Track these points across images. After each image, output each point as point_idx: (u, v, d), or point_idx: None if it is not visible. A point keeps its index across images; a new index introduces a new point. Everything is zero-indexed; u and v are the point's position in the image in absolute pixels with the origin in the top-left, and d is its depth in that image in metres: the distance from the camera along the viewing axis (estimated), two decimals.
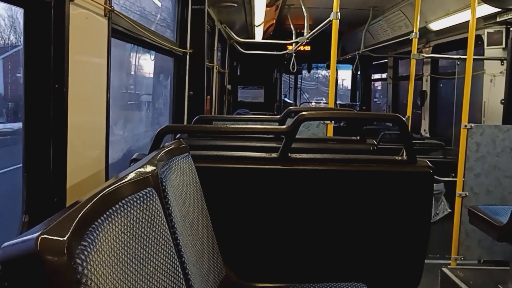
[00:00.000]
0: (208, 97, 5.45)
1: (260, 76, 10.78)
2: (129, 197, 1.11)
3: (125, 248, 1.00)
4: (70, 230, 0.80)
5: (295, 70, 7.36)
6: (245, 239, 2.07)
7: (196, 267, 1.60)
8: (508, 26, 4.71)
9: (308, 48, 9.66)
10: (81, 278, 0.78)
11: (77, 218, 0.85)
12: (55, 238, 0.77)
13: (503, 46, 4.84)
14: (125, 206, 1.06)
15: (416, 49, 4.66)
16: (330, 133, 3.79)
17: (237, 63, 10.91)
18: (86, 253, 0.81)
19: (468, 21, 3.65)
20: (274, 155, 2.06)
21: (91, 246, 0.84)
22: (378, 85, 12.26)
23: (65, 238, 0.77)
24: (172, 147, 1.72)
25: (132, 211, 1.08)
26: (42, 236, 0.75)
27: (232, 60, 9.70)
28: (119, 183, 1.11)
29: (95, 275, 0.82)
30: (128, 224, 1.05)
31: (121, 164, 2.82)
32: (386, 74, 9.75)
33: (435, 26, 5.74)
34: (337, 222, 2.06)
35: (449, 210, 5.09)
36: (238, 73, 11.20)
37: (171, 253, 1.22)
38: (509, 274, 3.16)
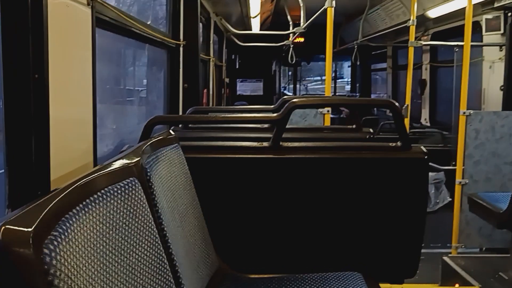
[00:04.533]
0: (205, 90, 5.40)
1: (259, 68, 10.71)
2: (109, 187, 1.08)
3: (104, 238, 0.97)
4: (38, 220, 0.77)
5: (293, 62, 7.29)
6: (238, 230, 2.03)
7: (187, 258, 1.57)
8: (507, 11, 4.65)
9: (302, 39, 9.57)
10: (49, 268, 0.75)
11: (47, 208, 0.82)
12: (19, 228, 0.74)
13: (502, 31, 4.78)
14: (104, 196, 1.03)
15: (414, 37, 4.61)
16: (327, 124, 3.74)
17: (235, 56, 10.85)
18: (55, 243, 0.78)
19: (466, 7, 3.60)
20: (265, 144, 2.02)
21: (62, 237, 0.81)
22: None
23: (30, 229, 0.74)
24: (160, 138, 1.69)
25: (112, 201, 1.05)
26: (5, 226, 0.72)
27: (230, 53, 9.63)
28: (97, 173, 1.08)
29: (65, 265, 0.79)
30: (108, 214, 1.02)
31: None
32: (385, 64, 9.70)
33: (433, 13, 5.69)
34: (331, 211, 2.02)
35: (450, 199, 5.07)
36: (237, 66, 11.14)
37: (156, 244, 1.19)
38: (510, 261, 3.13)
